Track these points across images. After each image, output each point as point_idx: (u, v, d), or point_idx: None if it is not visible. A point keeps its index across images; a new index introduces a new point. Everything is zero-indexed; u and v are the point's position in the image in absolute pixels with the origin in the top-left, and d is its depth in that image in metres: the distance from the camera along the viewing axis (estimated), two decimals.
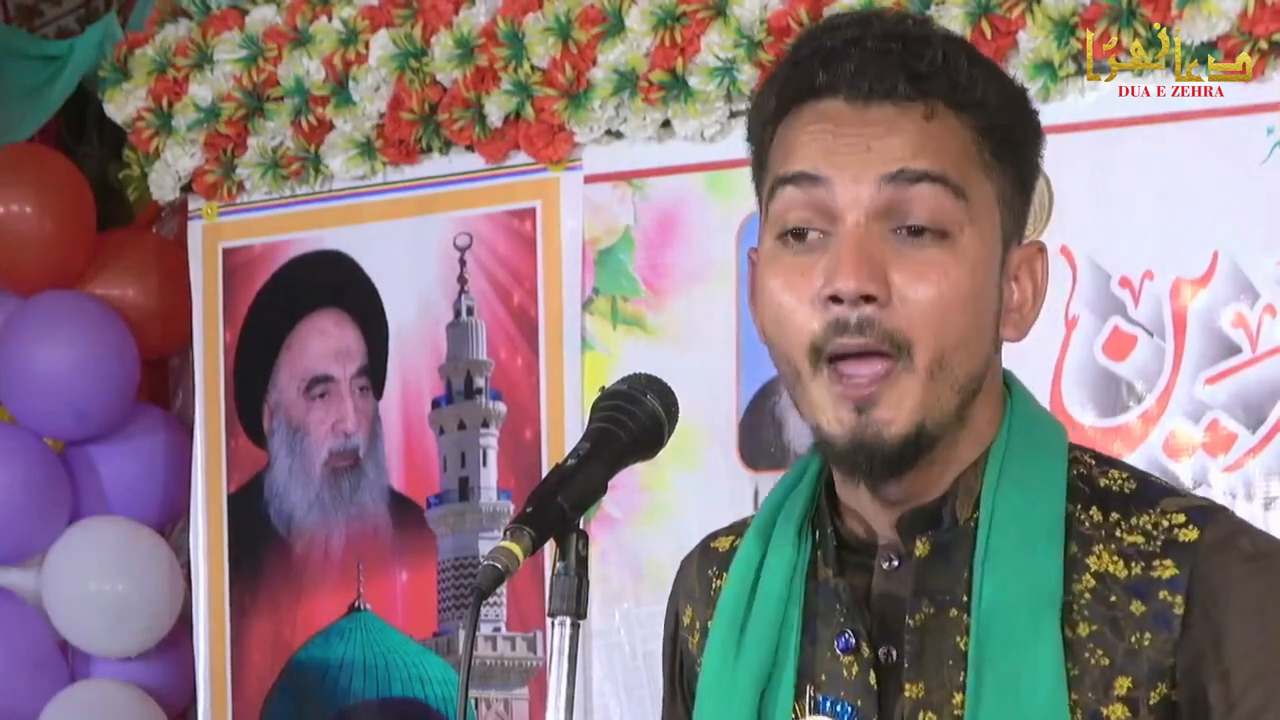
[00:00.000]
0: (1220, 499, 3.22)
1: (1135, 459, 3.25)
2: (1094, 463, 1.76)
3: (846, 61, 1.67)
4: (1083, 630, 1.67)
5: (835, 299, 1.64)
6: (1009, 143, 1.72)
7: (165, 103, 4.33)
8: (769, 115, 1.73)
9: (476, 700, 4.03)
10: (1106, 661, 1.66)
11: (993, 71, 1.74)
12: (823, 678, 1.74)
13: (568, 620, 1.60)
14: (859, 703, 1.72)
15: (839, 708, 1.73)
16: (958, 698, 1.68)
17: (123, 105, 4.40)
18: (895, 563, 1.73)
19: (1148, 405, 3.34)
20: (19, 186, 4.45)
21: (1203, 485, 3.26)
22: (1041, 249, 1.76)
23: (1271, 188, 3.23)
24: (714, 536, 1.93)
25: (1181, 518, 1.69)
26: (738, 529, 1.89)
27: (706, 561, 1.91)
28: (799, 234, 1.68)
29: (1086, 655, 1.67)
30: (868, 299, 1.64)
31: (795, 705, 1.75)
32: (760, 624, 1.77)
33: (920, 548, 1.72)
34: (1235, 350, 3.28)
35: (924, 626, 1.71)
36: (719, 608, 1.81)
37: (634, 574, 3.82)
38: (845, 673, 1.73)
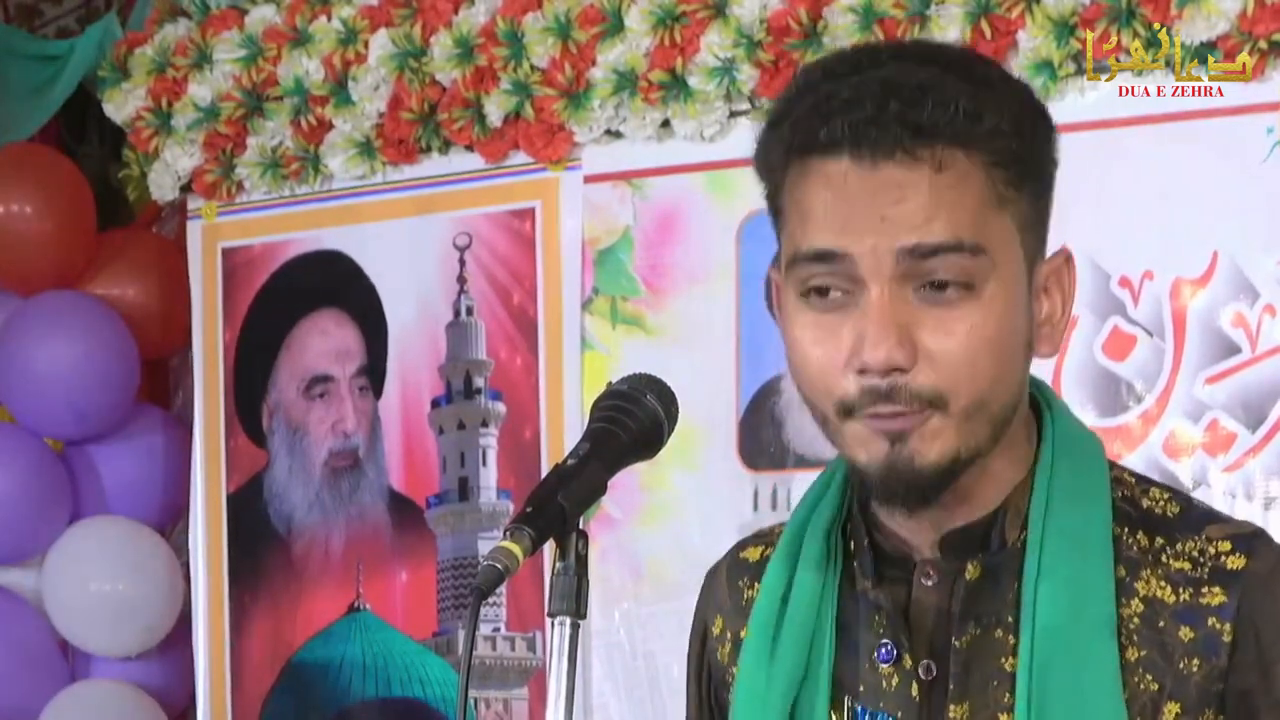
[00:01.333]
0: (1220, 499, 3.23)
1: (1135, 459, 3.26)
2: (1134, 481, 1.77)
3: (846, 121, 1.66)
4: (1131, 654, 1.69)
5: (863, 370, 1.66)
6: (1022, 163, 1.71)
7: (165, 102, 4.33)
8: (775, 164, 1.72)
9: (476, 700, 4.03)
10: (1156, 687, 1.67)
11: (997, 90, 1.71)
12: (861, 688, 1.74)
13: (568, 620, 1.60)
14: (900, 715, 1.73)
15: (880, 719, 1.74)
16: (1004, 718, 1.69)
17: (122, 105, 4.40)
18: (934, 579, 1.74)
19: (1147, 405, 3.34)
20: (19, 186, 4.45)
21: (1202, 485, 3.26)
22: (1069, 258, 1.77)
23: (1271, 188, 3.23)
24: (742, 546, 1.93)
25: (1227, 545, 1.71)
26: (766, 538, 1.89)
27: (737, 572, 1.90)
28: (822, 291, 1.69)
29: (1136, 680, 1.68)
30: (896, 370, 1.65)
31: (832, 714, 1.75)
32: (793, 632, 1.77)
33: (971, 570, 1.72)
34: (1235, 350, 3.28)
35: (970, 647, 1.71)
36: (753, 617, 1.81)
37: (634, 574, 3.82)
38: (885, 684, 1.74)
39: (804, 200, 1.69)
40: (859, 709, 1.75)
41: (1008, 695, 1.69)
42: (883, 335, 1.65)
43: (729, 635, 1.87)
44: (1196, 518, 1.74)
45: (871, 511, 1.77)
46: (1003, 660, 1.70)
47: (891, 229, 1.65)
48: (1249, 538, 1.72)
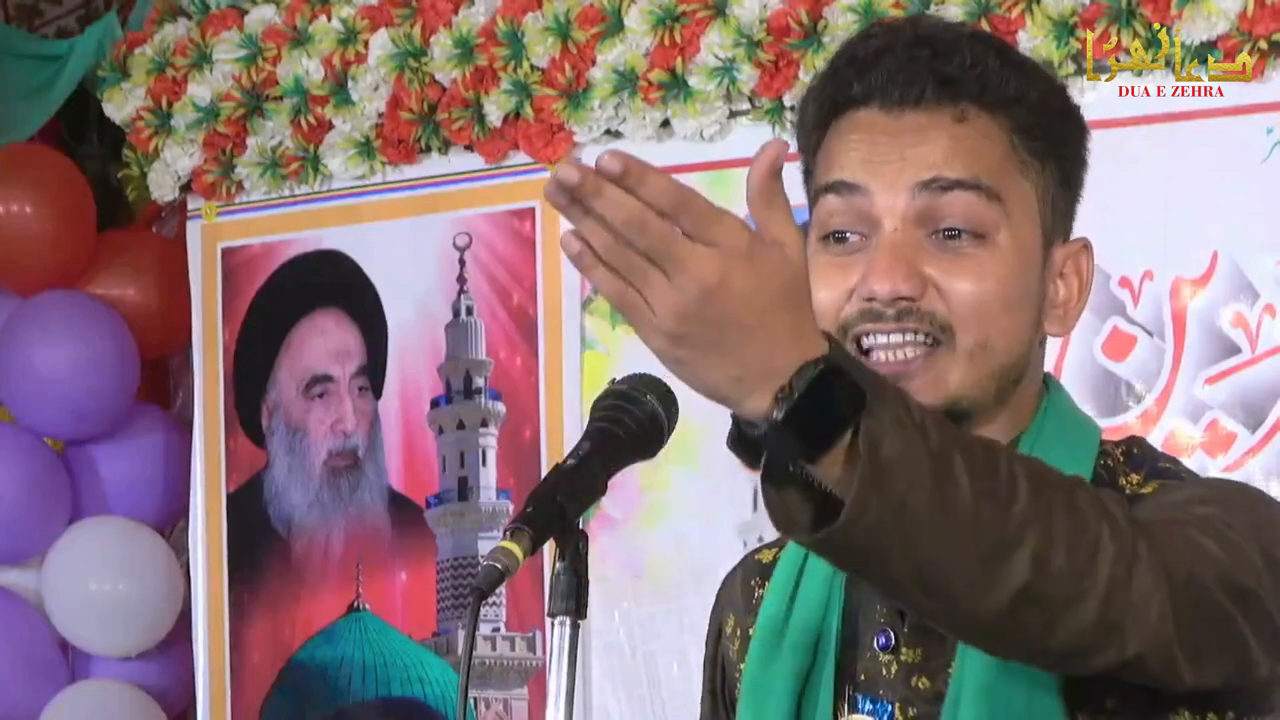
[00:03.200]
0: None
1: None
2: (1122, 459, 1.76)
3: (878, 70, 1.71)
4: None
5: (870, 299, 1.67)
6: (1049, 139, 1.73)
7: (164, 102, 4.33)
8: (811, 124, 1.77)
9: (476, 700, 4.03)
10: None
11: (1029, 68, 1.76)
12: (862, 677, 1.75)
13: (567, 620, 1.60)
14: (897, 702, 1.73)
15: (878, 706, 1.74)
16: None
17: (122, 105, 4.40)
18: None
19: (1147, 405, 3.34)
20: (19, 186, 4.45)
21: None
22: (1086, 245, 1.77)
23: (1271, 188, 3.23)
24: (757, 550, 1.94)
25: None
26: (780, 543, 1.89)
27: (749, 573, 1.91)
28: (840, 237, 1.71)
29: None
30: (902, 299, 1.67)
31: (836, 704, 1.75)
32: (799, 624, 1.78)
33: None
34: (1235, 350, 3.29)
35: None
36: (762, 611, 1.82)
37: (634, 574, 3.82)
38: (884, 671, 1.74)
39: (832, 147, 1.73)
40: (859, 697, 1.75)
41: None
42: (892, 265, 1.67)
43: (739, 632, 1.88)
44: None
45: None
46: None
47: (910, 167, 1.69)
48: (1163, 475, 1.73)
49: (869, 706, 1.74)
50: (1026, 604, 1.46)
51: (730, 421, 1.46)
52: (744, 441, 1.45)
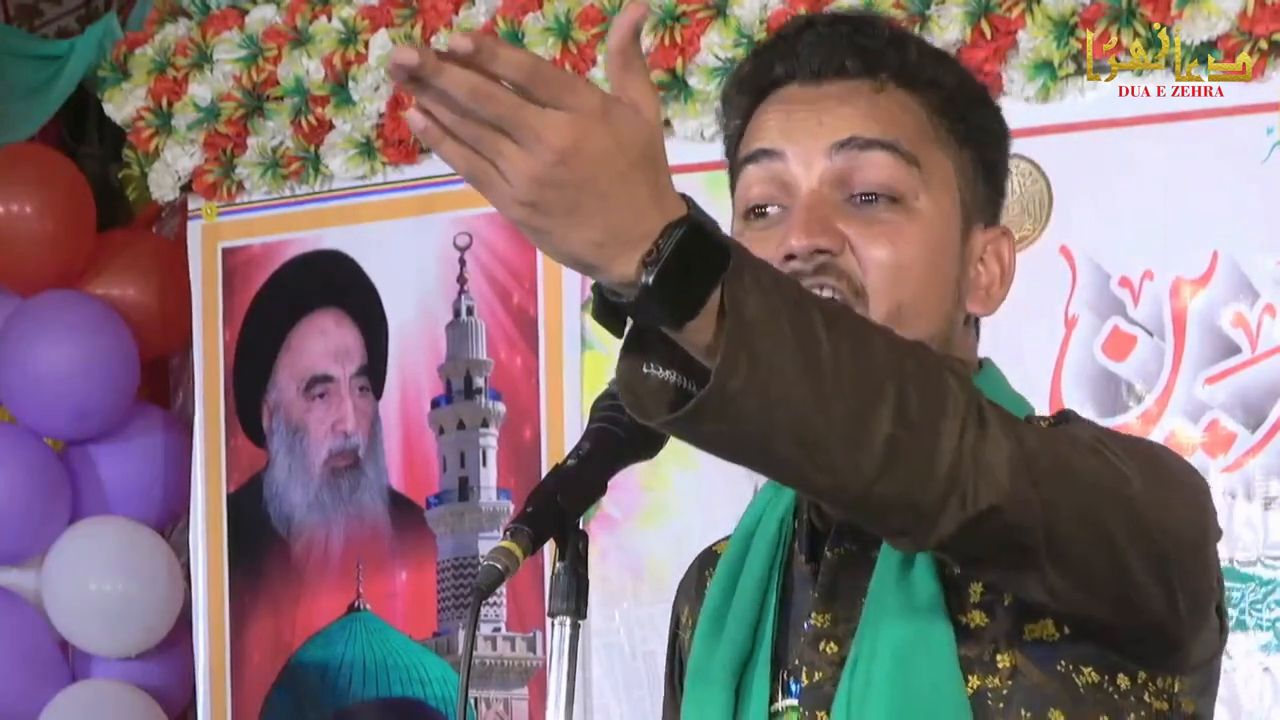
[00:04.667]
0: (1219, 499, 3.23)
1: None
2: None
3: (799, 46, 1.72)
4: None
5: (790, 257, 1.66)
6: (966, 124, 1.74)
7: (165, 102, 4.33)
8: (734, 108, 1.78)
9: (476, 700, 4.03)
10: (958, 570, 1.66)
11: (947, 58, 1.78)
12: (795, 662, 1.74)
13: (568, 620, 1.60)
14: (805, 666, 1.72)
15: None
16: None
17: (122, 105, 4.40)
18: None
19: (1147, 405, 3.34)
20: (19, 186, 4.45)
21: None
22: (1006, 233, 1.78)
23: (1271, 188, 3.23)
24: (719, 542, 1.94)
25: None
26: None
27: (704, 563, 1.92)
28: (760, 211, 1.71)
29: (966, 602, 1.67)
30: (821, 252, 1.66)
31: (772, 689, 1.75)
32: (739, 611, 1.78)
33: None
34: (1235, 350, 3.29)
35: (841, 559, 1.72)
36: (706, 599, 1.82)
37: (634, 574, 3.82)
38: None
39: (752, 125, 1.75)
40: (790, 682, 1.75)
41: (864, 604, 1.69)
42: (809, 220, 1.66)
43: (691, 621, 1.88)
44: None
45: None
46: (868, 580, 1.69)
47: (827, 130, 1.70)
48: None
49: (797, 690, 1.74)
50: (894, 460, 1.45)
51: (593, 292, 1.44)
52: (608, 310, 1.44)
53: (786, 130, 1.70)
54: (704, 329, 1.40)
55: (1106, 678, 1.64)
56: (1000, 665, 1.64)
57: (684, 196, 1.41)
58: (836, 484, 1.48)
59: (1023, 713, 1.63)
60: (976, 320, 1.77)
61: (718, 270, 1.39)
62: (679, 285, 1.38)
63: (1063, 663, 1.64)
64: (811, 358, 1.42)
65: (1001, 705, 1.63)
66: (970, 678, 1.64)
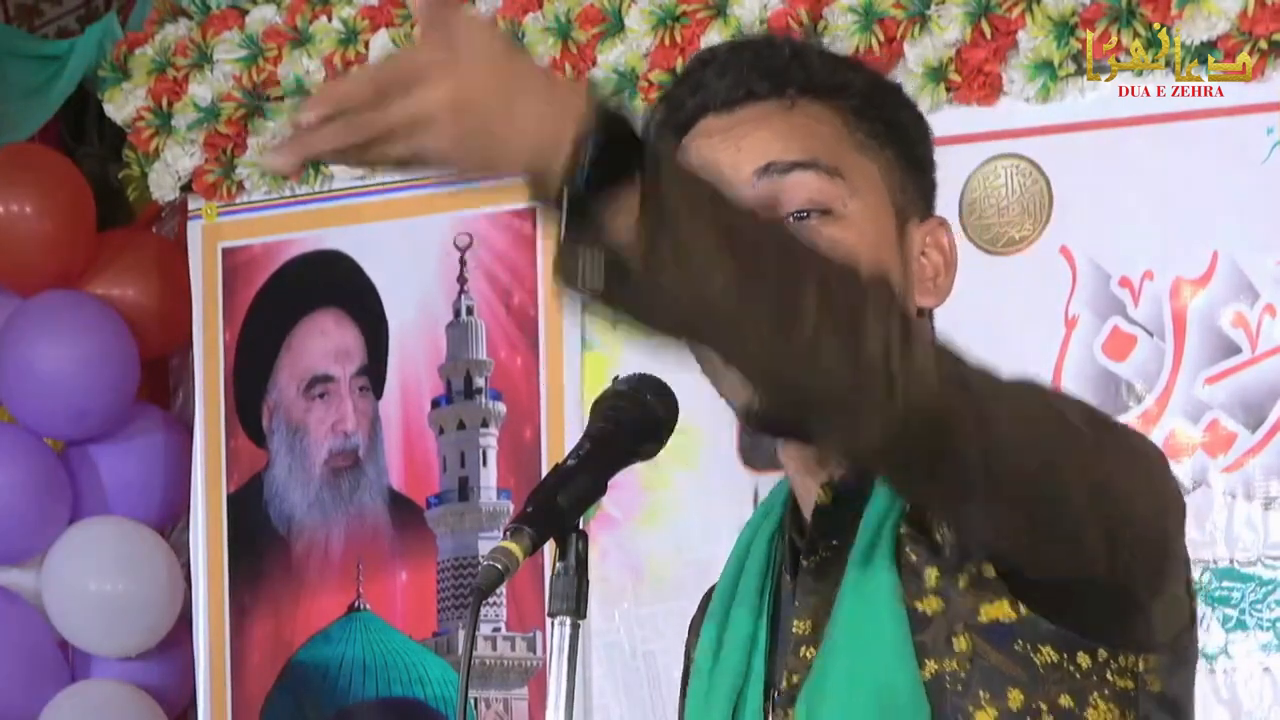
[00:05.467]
0: (1220, 499, 3.23)
1: None
2: None
3: (705, 79, 1.74)
4: (911, 553, 1.68)
5: None
6: (885, 124, 1.75)
7: (165, 102, 4.33)
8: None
9: (476, 700, 4.03)
10: (915, 558, 1.66)
11: (853, 61, 1.80)
12: (784, 684, 1.75)
13: (568, 620, 1.60)
14: (786, 670, 1.73)
15: None
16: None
17: (122, 105, 4.39)
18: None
19: (1147, 405, 3.34)
20: (19, 186, 4.45)
21: (1202, 485, 3.26)
22: (943, 222, 1.78)
23: (1271, 188, 3.24)
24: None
25: None
26: None
27: (707, 599, 1.92)
28: None
29: (908, 552, 1.68)
30: None
31: (765, 706, 1.75)
32: (734, 638, 1.78)
33: (821, 496, 1.73)
34: (1235, 350, 3.29)
35: (818, 566, 1.73)
36: (704, 625, 1.84)
37: (634, 574, 3.82)
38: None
39: None
40: (777, 695, 1.75)
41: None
42: None
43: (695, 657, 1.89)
44: None
45: (799, 508, 1.78)
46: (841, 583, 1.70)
47: (746, 158, 1.70)
48: None
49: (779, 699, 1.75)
50: (820, 343, 1.45)
51: (529, 187, 1.47)
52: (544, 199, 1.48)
53: (710, 164, 1.71)
54: (629, 211, 1.43)
55: (1065, 656, 1.63)
56: (957, 649, 1.64)
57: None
58: (765, 369, 1.49)
59: (981, 694, 1.63)
60: (930, 313, 1.78)
61: (636, 153, 1.41)
62: (610, 168, 1.42)
63: (1020, 642, 1.63)
64: (735, 239, 1.43)
65: (960, 688, 1.64)
66: (928, 662, 1.64)
